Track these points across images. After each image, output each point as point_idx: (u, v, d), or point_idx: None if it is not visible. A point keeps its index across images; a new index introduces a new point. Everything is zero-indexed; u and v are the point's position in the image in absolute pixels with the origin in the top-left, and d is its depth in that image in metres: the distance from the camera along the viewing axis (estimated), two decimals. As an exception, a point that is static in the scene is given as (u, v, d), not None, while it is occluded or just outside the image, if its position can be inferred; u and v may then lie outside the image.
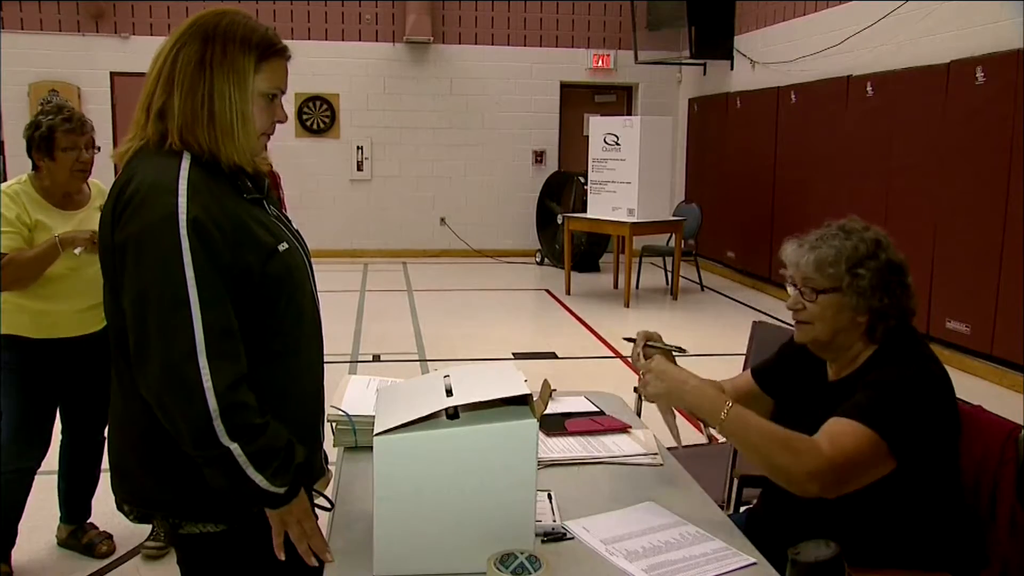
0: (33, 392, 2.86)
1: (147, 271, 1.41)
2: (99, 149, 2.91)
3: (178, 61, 1.51)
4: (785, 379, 2.05)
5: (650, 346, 1.97)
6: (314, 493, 1.72)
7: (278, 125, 1.63)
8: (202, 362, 1.38)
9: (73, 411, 3.06)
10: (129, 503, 1.64)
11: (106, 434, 3.11)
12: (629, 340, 2.02)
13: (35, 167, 2.82)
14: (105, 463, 1.98)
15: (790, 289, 1.91)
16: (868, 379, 1.78)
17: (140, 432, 1.55)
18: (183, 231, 1.40)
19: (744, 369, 2.89)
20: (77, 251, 2.69)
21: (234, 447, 1.42)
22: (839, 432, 1.68)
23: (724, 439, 1.89)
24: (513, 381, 1.51)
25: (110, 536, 3.19)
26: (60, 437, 3.10)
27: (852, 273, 1.80)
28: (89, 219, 2.88)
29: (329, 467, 1.86)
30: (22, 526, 2.97)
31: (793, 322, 1.92)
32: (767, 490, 2.02)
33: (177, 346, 1.38)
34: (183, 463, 1.50)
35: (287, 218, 1.73)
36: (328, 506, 1.77)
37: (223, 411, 1.39)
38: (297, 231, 1.73)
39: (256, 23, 1.56)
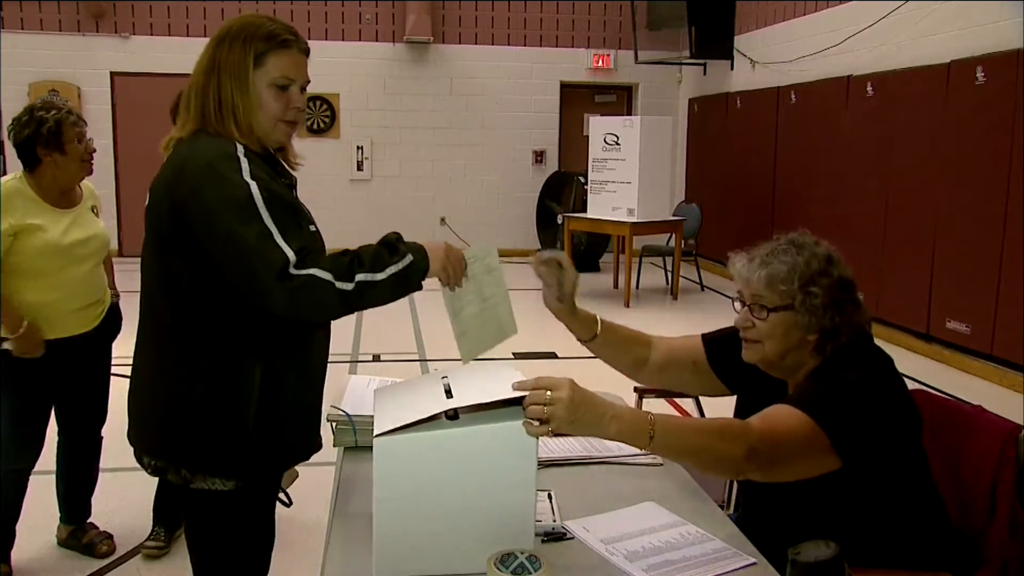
0: (28, 393, 2.85)
1: (230, 220, 1.59)
2: (91, 140, 2.92)
3: (203, 65, 1.73)
4: (745, 375, 1.96)
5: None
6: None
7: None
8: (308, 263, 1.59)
9: (69, 411, 3.05)
10: (148, 454, 1.77)
11: (103, 431, 3.14)
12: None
13: (31, 166, 2.78)
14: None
15: (737, 306, 1.85)
16: (813, 375, 1.76)
17: (163, 385, 1.72)
18: (254, 190, 1.60)
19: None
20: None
21: (359, 277, 1.61)
22: (772, 413, 1.64)
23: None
24: (512, 383, 1.51)
25: (110, 536, 3.19)
26: (57, 437, 3.10)
27: (805, 291, 1.74)
28: (81, 218, 2.88)
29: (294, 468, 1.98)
30: (21, 526, 2.97)
31: (743, 341, 1.84)
32: (761, 491, 2.01)
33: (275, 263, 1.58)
34: (201, 416, 1.69)
35: None
36: (287, 502, 1.92)
37: (331, 273, 1.60)
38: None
39: (266, 20, 1.73)
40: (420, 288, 1.72)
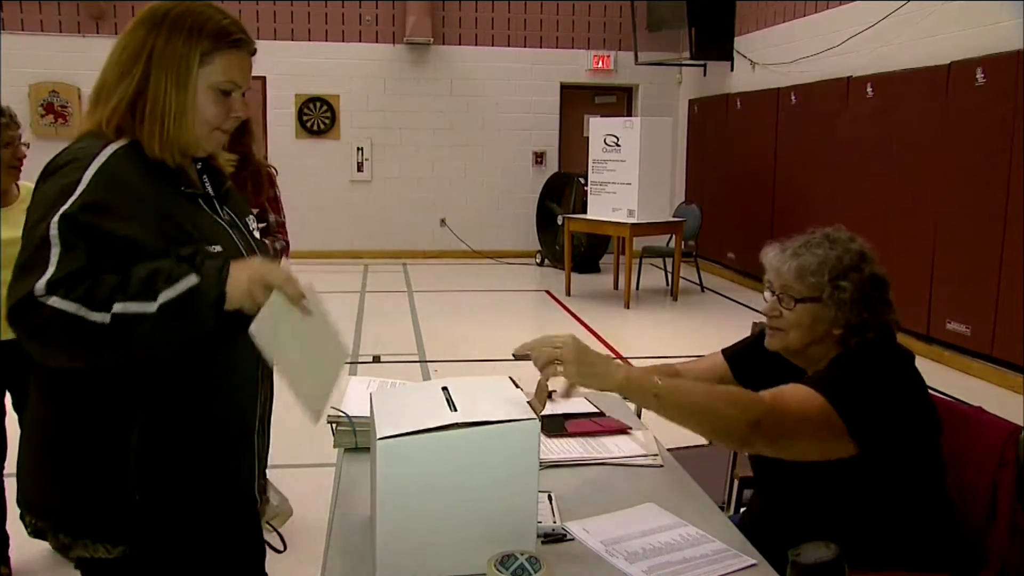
0: None
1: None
2: (28, 146, 2.84)
3: (123, 49, 1.46)
4: (765, 371, 1.97)
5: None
6: (267, 528, 1.65)
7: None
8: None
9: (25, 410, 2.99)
10: (28, 511, 1.54)
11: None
12: (521, 358, 1.63)
13: None
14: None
15: (767, 294, 1.87)
16: (832, 362, 1.77)
17: (37, 434, 1.51)
18: (53, 225, 1.31)
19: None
20: None
21: (117, 308, 1.28)
22: (786, 389, 1.65)
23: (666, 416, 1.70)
24: (516, 400, 1.51)
25: None
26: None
27: (834, 284, 1.75)
28: (15, 219, 2.71)
29: (288, 505, 1.76)
30: (20, 526, 2.97)
31: (767, 328, 1.87)
32: (763, 491, 2.01)
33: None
34: (73, 471, 1.44)
35: (254, 222, 1.66)
36: (280, 548, 1.70)
37: (82, 302, 1.29)
38: (260, 239, 1.66)
39: (216, 12, 1.48)
40: (212, 321, 1.34)
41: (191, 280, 1.32)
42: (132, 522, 1.46)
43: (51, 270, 1.28)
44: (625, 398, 1.65)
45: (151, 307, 1.29)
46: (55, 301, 1.27)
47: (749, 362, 2.01)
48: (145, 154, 1.44)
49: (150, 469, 1.44)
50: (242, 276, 1.35)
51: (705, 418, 1.61)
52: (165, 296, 1.30)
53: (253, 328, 1.34)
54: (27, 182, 2.86)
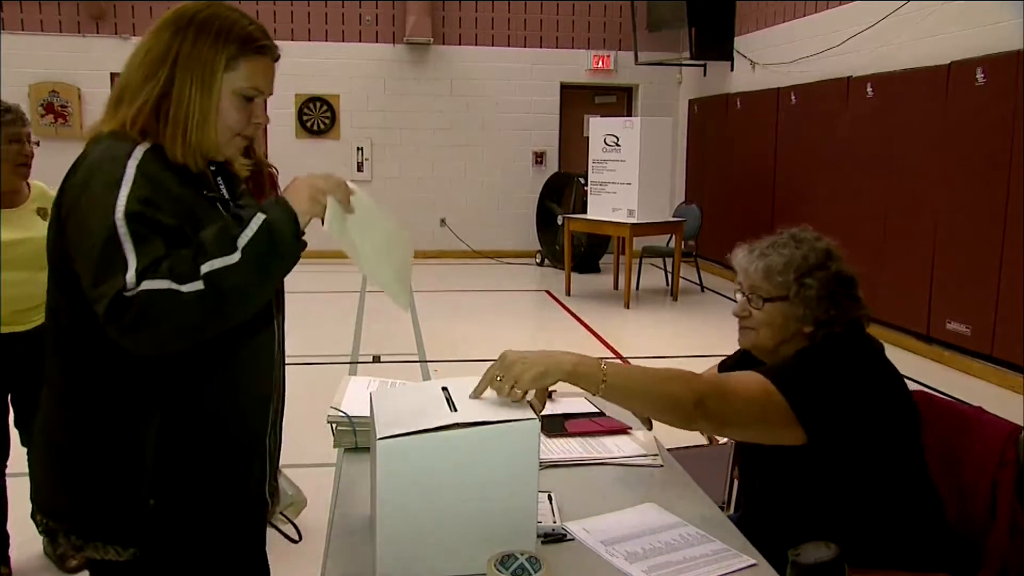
0: None
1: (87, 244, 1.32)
2: (38, 144, 2.82)
3: (148, 51, 1.45)
4: None
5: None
6: (282, 519, 1.66)
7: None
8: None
9: (27, 413, 2.96)
10: (39, 510, 1.54)
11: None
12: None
13: None
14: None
15: (738, 296, 1.91)
16: (795, 353, 1.80)
17: (51, 435, 1.50)
18: (119, 223, 1.31)
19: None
20: None
21: (206, 268, 1.28)
22: (735, 374, 1.70)
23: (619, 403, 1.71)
24: (516, 401, 1.51)
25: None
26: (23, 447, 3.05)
27: (800, 282, 1.79)
28: (25, 219, 2.76)
29: (302, 495, 1.77)
30: (21, 527, 2.97)
31: (739, 328, 1.91)
32: (761, 492, 2.02)
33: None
34: (89, 470, 1.44)
35: None
36: (296, 538, 1.70)
37: (171, 278, 1.28)
38: None
39: (242, 17, 1.48)
40: (302, 245, 1.38)
41: (259, 217, 1.33)
42: (145, 525, 1.46)
43: (134, 262, 1.27)
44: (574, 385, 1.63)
45: (234, 256, 1.29)
46: (147, 284, 1.26)
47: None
48: (167, 158, 1.43)
49: (166, 472, 1.44)
50: (300, 192, 1.38)
51: (649, 397, 1.62)
52: (243, 240, 1.30)
53: (326, 227, 1.40)
54: (38, 182, 2.86)
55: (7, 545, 2.95)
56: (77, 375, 1.44)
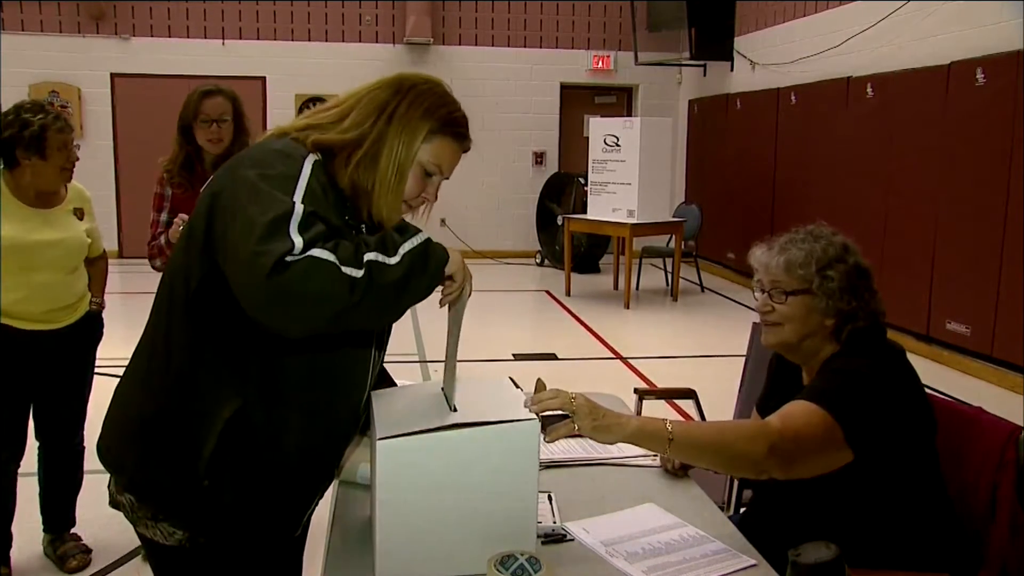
0: (3, 386, 2.80)
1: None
2: (79, 146, 2.90)
3: (364, 99, 1.57)
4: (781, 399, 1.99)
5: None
6: None
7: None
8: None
9: (44, 415, 2.99)
10: (103, 463, 1.56)
11: (83, 439, 3.04)
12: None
13: (10, 165, 2.73)
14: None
15: (757, 293, 1.93)
16: (828, 366, 1.81)
17: (124, 409, 1.53)
18: (298, 204, 1.35)
19: (743, 372, 2.90)
20: None
21: (369, 257, 1.35)
22: (791, 411, 1.69)
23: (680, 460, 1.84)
24: (515, 402, 1.51)
25: (87, 551, 3.11)
26: (36, 444, 3.05)
27: (822, 275, 1.82)
28: (57, 220, 2.83)
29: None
30: (21, 527, 2.97)
31: (762, 325, 1.92)
32: (761, 492, 2.02)
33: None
34: (156, 429, 1.46)
35: None
36: None
37: (335, 255, 1.32)
38: None
39: (455, 102, 1.59)
40: (438, 282, 1.46)
41: (424, 235, 1.43)
42: (195, 506, 1.47)
43: (301, 235, 1.30)
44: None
45: (395, 258, 1.36)
46: (315, 251, 1.28)
47: (776, 403, 2.03)
48: (330, 174, 1.49)
49: (224, 458, 1.44)
50: (453, 252, 1.49)
51: (719, 455, 1.65)
52: (405, 247, 1.39)
53: (458, 307, 1.58)
54: (75, 183, 2.94)
55: (9, 546, 2.95)
56: (181, 339, 1.46)
